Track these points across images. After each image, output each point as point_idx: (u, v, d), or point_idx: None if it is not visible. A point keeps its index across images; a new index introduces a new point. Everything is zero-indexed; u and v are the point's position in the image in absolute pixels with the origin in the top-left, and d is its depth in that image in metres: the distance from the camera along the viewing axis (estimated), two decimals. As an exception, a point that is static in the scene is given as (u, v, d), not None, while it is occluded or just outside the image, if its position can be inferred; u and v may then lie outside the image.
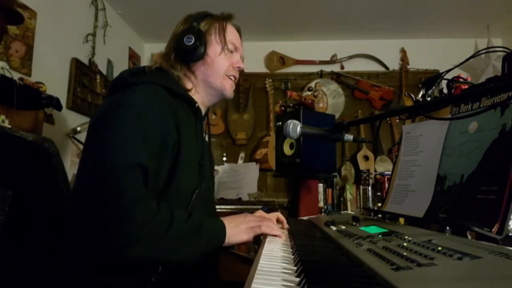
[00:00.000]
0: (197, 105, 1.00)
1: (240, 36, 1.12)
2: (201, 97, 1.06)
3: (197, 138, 0.98)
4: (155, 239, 0.73)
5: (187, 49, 0.99)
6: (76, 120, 2.53)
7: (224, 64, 1.04)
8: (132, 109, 0.81)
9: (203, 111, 1.08)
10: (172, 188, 0.85)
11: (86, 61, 2.73)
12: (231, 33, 1.07)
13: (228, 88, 1.07)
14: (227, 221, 0.89)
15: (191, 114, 0.99)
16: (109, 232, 0.70)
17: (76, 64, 2.57)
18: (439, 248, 0.53)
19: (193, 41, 0.99)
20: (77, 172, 0.83)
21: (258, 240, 0.91)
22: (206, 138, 1.12)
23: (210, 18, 1.06)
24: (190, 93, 1.02)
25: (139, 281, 0.81)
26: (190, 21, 1.04)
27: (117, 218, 0.70)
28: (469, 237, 0.73)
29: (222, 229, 0.86)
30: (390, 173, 1.30)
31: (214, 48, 1.03)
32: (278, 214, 1.09)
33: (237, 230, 0.88)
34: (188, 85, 1.03)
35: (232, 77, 1.07)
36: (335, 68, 3.65)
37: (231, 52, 1.06)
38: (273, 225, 0.92)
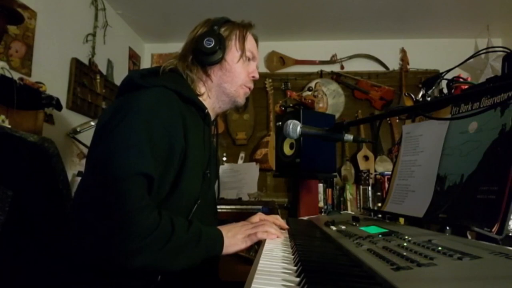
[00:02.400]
0: (206, 111, 1.00)
1: (257, 46, 1.12)
2: (212, 102, 1.05)
3: (204, 144, 0.97)
4: (156, 249, 0.72)
5: (205, 52, 0.99)
6: (76, 120, 2.53)
7: (241, 73, 1.05)
8: (140, 114, 0.80)
9: (212, 117, 1.07)
10: (175, 195, 0.85)
11: (86, 61, 2.74)
12: (250, 41, 1.08)
13: (242, 95, 1.07)
14: (225, 231, 0.88)
15: (200, 120, 0.98)
16: (111, 240, 0.69)
17: (76, 64, 2.57)
18: (439, 248, 0.53)
19: (213, 44, 0.98)
20: (83, 174, 0.82)
21: (259, 241, 0.91)
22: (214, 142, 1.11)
23: (231, 24, 1.06)
24: (202, 98, 1.01)
25: (140, 283, 0.81)
26: (211, 25, 1.03)
27: (120, 227, 0.69)
28: (469, 237, 0.73)
29: (220, 240, 0.86)
30: (390, 173, 1.30)
31: (232, 54, 1.03)
32: (275, 218, 1.07)
33: (234, 240, 0.88)
34: (202, 89, 1.03)
35: (248, 88, 1.08)
36: (335, 68, 3.65)
37: (248, 60, 1.07)
38: (269, 228, 0.92)
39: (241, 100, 1.08)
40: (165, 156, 0.81)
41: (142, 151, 0.76)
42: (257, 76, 1.09)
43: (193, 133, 0.90)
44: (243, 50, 1.04)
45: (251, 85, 1.09)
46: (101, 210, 0.71)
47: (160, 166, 0.80)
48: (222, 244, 0.86)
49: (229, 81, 1.03)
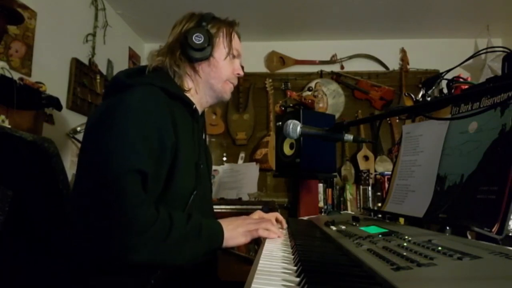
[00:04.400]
0: (194, 106, 1.00)
1: (240, 42, 1.14)
2: (199, 97, 1.06)
3: (193, 139, 0.98)
4: (156, 244, 0.73)
5: (195, 47, 1.00)
6: (76, 120, 2.53)
7: (227, 70, 1.07)
8: (130, 112, 0.81)
9: (200, 111, 1.08)
10: (170, 190, 0.85)
11: (86, 61, 2.73)
12: (236, 39, 1.10)
13: (228, 91, 1.10)
14: (226, 224, 0.89)
15: (188, 115, 0.99)
16: (111, 238, 0.70)
17: (76, 64, 2.57)
18: (439, 248, 0.53)
19: (202, 40, 1.00)
20: (75, 176, 0.82)
21: (258, 240, 0.91)
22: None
23: (218, 21, 1.07)
24: (189, 93, 1.03)
25: (139, 281, 0.81)
26: (198, 21, 1.04)
27: (118, 224, 0.70)
28: (469, 237, 0.73)
29: (220, 232, 0.87)
30: (390, 173, 1.30)
31: (220, 51, 1.05)
32: (277, 214, 1.10)
33: (234, 233, 0.89)
34: (189, 84, 1.04)
35: (232, 83, 1.10)
36: (335, 68, 3.65)
37: (234, 57, 1.09)
38: (271, 226, 0.92)
39: (227, 96, 1.10)
40: (157, 152, 0.82)
41: (135, 148, 0.77)
42: (241, 73, 1.11)
43: (182, 129, 0.91)
44: (230, 48, 1.06)
45: (235, 82, 1.12)
46: (99, 208, 0.71)
47: (153, 162, 0.80)
48: (223, 236, 0.87)
49: (216, 77, 1.05)
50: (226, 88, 1.08)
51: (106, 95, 0.92)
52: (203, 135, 1.11)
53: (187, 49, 1.00)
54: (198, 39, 0.99)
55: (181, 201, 0.89)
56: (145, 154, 0.78)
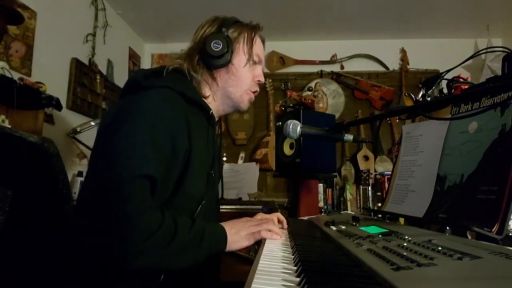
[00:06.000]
0: (211, 112, 0.99)
1: (264, 47, 1.11)
2: (216, 105, 1.04)
3: (208, 145, 0.97)
4: (158, 250, 0.73)
5: (212, 55, 0.97)
6: (76, 120, 2.53)
7: (247, 77, 1.04)
8: (144, 116, 0.80)
9: (216, 118, 1.06)
10: (179, 196, 0.84)
11: (86, 61, 2.74)
12: (258, 45, 1.07)
13: (246, 101, 1.06)
14: (228, 227, 0.88)
15: (204, 120, 0.98)
16: (115, 242, 0.69)
17: (76, 64, 2.57)
18: (439, 248, 0.53)
19: (220, 48, 0.97)
20: (85, 176, 0.82)
21: (259, 241, 0.91)
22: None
23: (240, 25, 1.05)
24: (207, 100, 1.01)
25: (142, 282, 0.81)
26: (219, 26, 1.02)
27: (123, 228, 0.69)
28: (469, 237, 0.73)
29: (223, 237, 0.86)
30: (390, 173, 1.30)
31: (240, 58, 1.02)
32: (278, 215, 1.10)
33: (237, 237, 0.88)
34: (207, 92, 1.02)
35: (253, 93, 1.07)
36: (335, 68, 3.65)
37: (255, 64, 1.06)
38: (272, 227, 0.92)
39: (244, 106, 1.07)
40: (168, 158, 0.81)
41: (145, 153, 0.76)
42: (262, 80, 1.08)
43: (197, 134, 0.89)
44: (250, 54, 1.03)
45: (257, 89, 1.08)
46: (104, 212, 0.71)
47: (163, 168, 0.79)
48: (226, 240, 0.86)
49: (235, 85, 1.03)
50: (245, 98, 1.05)
51: (123, 94, 0.91)
52: (218, 141, 1.09)
53: (205, 55, 0.98)
54: (216, 45, 0.97)
55: (189, 208, 0.88)
56: (155, 158, 0.77)
